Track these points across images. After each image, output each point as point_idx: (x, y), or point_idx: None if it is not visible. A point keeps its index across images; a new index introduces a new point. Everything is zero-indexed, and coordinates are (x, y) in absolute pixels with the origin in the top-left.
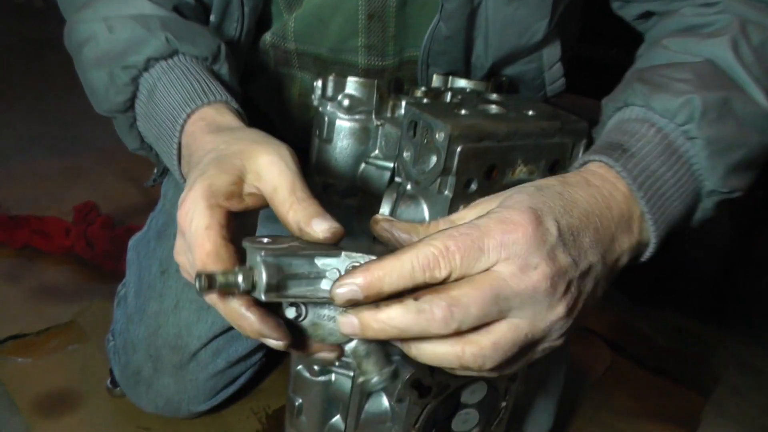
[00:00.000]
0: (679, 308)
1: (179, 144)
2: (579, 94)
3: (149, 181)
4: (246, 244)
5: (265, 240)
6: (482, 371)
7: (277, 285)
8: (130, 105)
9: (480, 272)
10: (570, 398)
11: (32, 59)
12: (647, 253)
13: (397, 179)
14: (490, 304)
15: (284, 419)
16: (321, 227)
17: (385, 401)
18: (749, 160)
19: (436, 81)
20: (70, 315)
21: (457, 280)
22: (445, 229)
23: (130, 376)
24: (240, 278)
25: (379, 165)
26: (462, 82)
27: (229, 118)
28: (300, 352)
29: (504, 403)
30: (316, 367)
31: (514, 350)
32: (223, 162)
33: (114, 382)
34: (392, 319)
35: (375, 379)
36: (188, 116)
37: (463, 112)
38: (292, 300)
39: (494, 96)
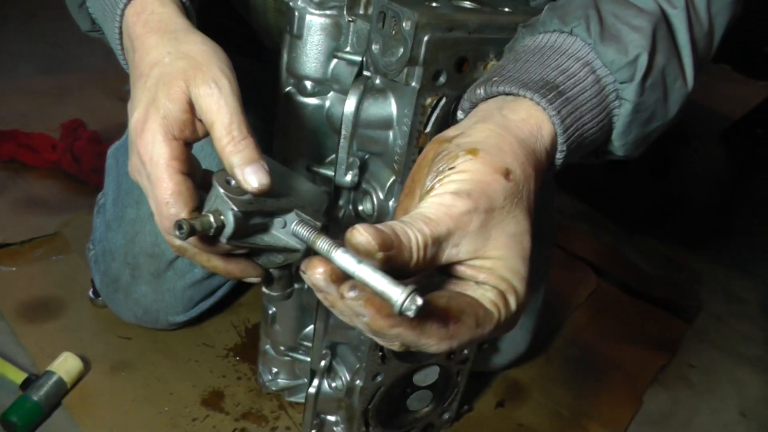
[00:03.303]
0: (670, 238)
1: (120, 29)
2: None
3: (127, 85)
4: (218, 188)
5: (233, 182)
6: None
7: (238, 236)
8: None
9: None
10: (552, 320)
11: None
12: None
13: (366, 73)
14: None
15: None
16: (250, 181)
17: None
18: (656, 133)
19: None
20: (55, 227)
21: None
22: (461, 312)
23: (109, 283)
24: (213, 228)
25: (351, 60)
26: None
27: (170, 11)
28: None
29: None
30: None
31: None
32: (169, 86)
33: (96, 293)
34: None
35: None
36: (128, 1)
37: (434, 4)
38: (245, 245)
39: None
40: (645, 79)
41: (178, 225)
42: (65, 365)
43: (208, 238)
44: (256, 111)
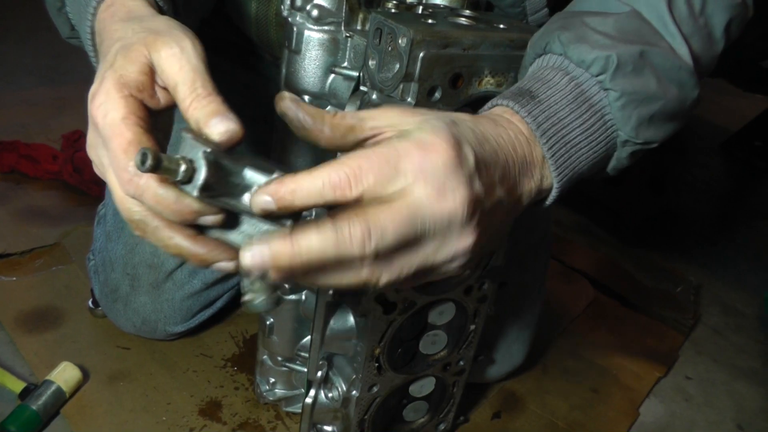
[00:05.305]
0: (668, 250)
1: (92, 29)
2: None
3: None
4: (186, 135)
5: (203, 137)
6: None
7: (212, 186)
8: None
9: (395, 193)
10: (549, 331)
11: None
12: (550, 198)
13: (362, 88)
14: (406, 226)
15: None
16: (218, 128)
17: (350, 318)
18: (665, 113)
19: None
20: (55, 237)
21: (371, 201)
22: (361, 149)
23: (109, 293)
24: (182, 167)
25: (348, 75)
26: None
27: (139, 3)
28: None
29: (473, 326)
30: (286, 286)
31: (411, 273)
32: (128, 51)
33: (95, 303)
34: (310, 244)
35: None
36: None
37: (430, 21)
38: (217, 205)
39: (468, 12)
40: (621, 67)
41: (142, 154)
42: (64, 375)
43: (175, 198)
44: (256, 125)
